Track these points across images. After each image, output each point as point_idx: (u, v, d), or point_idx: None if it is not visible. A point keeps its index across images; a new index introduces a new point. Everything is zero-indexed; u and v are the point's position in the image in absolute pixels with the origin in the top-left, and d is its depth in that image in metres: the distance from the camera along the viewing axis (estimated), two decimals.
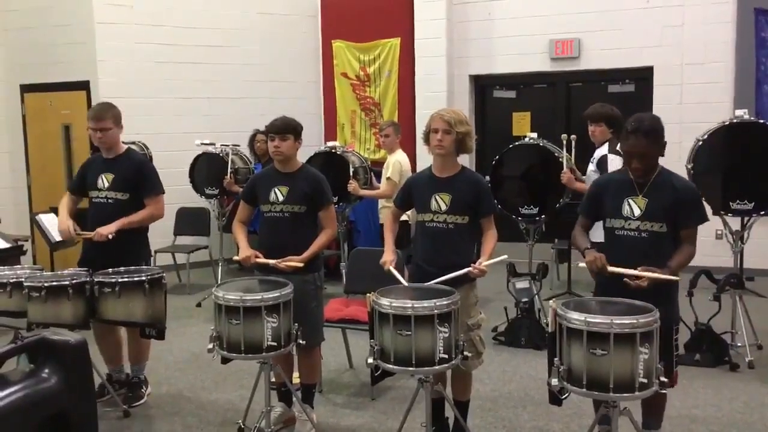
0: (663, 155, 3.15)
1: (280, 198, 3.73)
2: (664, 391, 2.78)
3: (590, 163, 5.12)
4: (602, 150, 5.02)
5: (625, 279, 2.96)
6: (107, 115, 4.12)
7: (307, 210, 3.74)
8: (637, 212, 3.10)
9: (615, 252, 3.11)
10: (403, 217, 3.78)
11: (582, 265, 3.15)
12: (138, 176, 4.15)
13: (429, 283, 3.28)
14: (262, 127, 6.81)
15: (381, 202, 6.28)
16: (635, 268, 2.97)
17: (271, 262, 3.63)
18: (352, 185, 6.20)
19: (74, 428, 2.43)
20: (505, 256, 3.49)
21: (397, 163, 6.09)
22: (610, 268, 3.02)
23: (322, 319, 3.99)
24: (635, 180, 3.14)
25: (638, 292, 2.93)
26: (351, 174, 6.24)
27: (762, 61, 7.14)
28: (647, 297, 2.88)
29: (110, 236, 3.96)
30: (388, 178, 6.10)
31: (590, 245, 3.22)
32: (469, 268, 3.29)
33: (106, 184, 4.14)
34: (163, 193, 4.24)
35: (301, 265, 3.60)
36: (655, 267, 2.96)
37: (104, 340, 4.28)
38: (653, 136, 3.07)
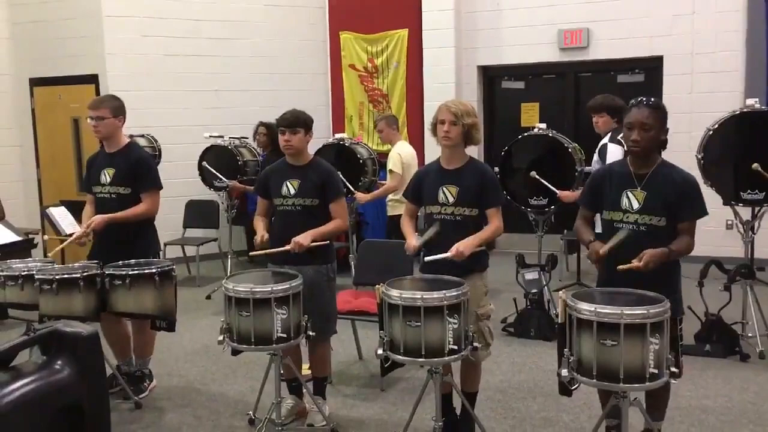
0: (664, 144, 3.09)
1: (292, 191, 3.73)
2: (673, 381, 2.78)
3: (595, 154, 5.12)
4: (605, 140, 5.01)
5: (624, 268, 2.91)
6: (104, 105, 4.13)
7: (319, 203, 3.73)
8: (635, 205, 3.03)
9: None
10: None
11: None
12: (135, 170, 4.14)
13: (426, 258, 3.30)
14: (268, 119, 6.87)
15: (388, 195, 6.29)
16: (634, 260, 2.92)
17: (285, 248, 3.58)
18: (361, 198, 6.22)
19: (88, 419, 2.45)
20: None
21: (396, 155, 6.11)
22: (604, 248, 2.98)
23: (335, 310, 3.99)
24: (634, 171, 3.07)
25: (642, 281, 2.89)
26: (360, 163, 6.22)
27: None
28: (651, 287, 2.86)
29: (96, 228, 3.97)
30: (390, 171, 6.13)
31: (594, 237, 3.19)
32: (448, 254, 3.24)
33: (108, 179, 4.15)
34: (160, 188, 4.23)
35: (307, 243, 3.56)
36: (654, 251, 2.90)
37: (112, 333, 4.29)
38: (656, 110, 3.02)
